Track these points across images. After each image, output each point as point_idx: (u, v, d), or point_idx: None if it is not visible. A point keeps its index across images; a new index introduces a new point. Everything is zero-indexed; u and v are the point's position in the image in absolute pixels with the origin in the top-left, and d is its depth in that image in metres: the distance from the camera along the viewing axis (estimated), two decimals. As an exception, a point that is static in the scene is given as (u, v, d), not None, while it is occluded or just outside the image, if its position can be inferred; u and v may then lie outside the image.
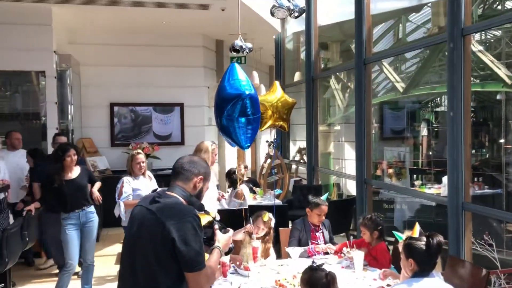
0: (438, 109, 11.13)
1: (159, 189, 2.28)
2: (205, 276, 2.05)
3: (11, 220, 5.25)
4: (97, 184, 4.78)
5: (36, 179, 5.17)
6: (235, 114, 2.86)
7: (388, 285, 2.83)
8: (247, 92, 2.93)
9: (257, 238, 3.70)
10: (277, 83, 4.83)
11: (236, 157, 10.07)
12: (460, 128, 3.91)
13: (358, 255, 3.22)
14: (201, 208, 2.23)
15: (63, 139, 5.58)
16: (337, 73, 9.21)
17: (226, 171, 6.36)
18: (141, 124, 8.30)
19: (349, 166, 9.09)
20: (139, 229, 2.11)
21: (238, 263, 3.39)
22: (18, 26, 6.64)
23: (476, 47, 6.13)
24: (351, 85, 9.46)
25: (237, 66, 3.09)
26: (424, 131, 11.00)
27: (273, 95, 4.64)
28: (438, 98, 11.40)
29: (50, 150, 6.51)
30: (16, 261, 4.50)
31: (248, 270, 3.32)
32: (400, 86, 7.84)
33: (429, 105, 11.15)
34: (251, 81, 3.06)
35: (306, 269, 2.42)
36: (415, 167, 8.96)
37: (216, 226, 2.28)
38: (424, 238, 2.34)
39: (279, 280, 3.12)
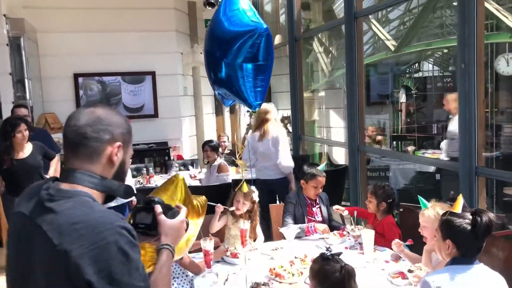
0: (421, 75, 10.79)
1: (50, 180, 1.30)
2: None
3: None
4: (55, 162, 4.13)
5: None
6: (238, 60, 2.04)
7: (409, 270, 2.33)
8: (265, 26, 2.09)
9: (240, 216, 3.14)
10: None
11: (216, 128, 9.46)
12: (473, 82, 3.40)
13: (368, 235, 2.70)
14: (130, 193, 1.35)
15: (23, 111, 4.80)
16: (320, 35, 8.61)
17: (203, 142, 5.74)
18: (110, 96, 7.57)
19: (335, 134, 8.63)
20: (24, 255, 1.23)
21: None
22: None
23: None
24: (333, 50, 8.91)
25: None
26: (402, 98, 10.75)
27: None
28: (416, 65, 11.04)
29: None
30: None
31: (236, 257, 2.79)
32: (391, 44, 7.29)
33: (407, 70, 10.85)
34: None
35: (317, 258, 1.90)
36: (406, 134, 8.57)
37: (159, 209, 1.43)
38: (469, 215, 1.82)
39: (274, 269, 2.59)
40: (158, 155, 7.29)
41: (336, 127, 8.61)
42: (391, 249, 2.76)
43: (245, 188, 3.04)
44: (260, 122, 4.58)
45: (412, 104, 10.63)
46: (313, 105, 8.74)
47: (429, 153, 6.54)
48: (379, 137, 7.57)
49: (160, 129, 7.66)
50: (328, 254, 1.85)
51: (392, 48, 7.18)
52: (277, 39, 8.33)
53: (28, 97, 6.47)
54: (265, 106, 4.53)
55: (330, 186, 5.34)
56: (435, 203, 2.38)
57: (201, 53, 7.82)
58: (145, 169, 5.64)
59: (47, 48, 7.16)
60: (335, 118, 8.68)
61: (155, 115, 7.68)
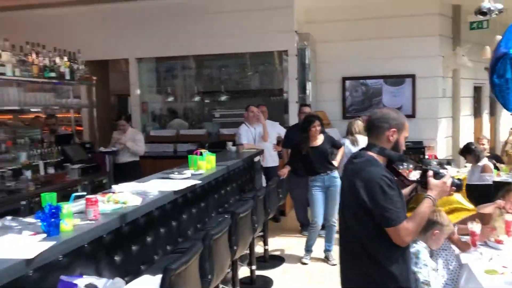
0: None
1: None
2: (405, 230, 2.07)
3: (263, 180, 6.12)
4: (341, 150, 5.17)
5: (286, 146, 5.84)
6: (507, 74, 2.61)
7: None
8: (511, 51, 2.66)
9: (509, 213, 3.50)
10: None
11: (473, 132, 9.34)
12: None
13: None
14: (401, 159, 2.31)
15: (307, 109, 6.09)
16: None
17: (462, 146, 5.97)
18: (372, 97, 8.43)
19: None
20: (343, 183, 2.37)
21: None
22: (259, 11, 7.48)
23: None
24: None
25: None
26: None
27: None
28: None
29: (292, 120, 7.30)
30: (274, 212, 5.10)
31: (500, 243, 3.18)
32: None
33: None
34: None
35: None
36: None
37: (430, 173, 2.23)
38: None
39: (539, 258, 2.91)
40: (413, 153, 7.77)
41: None
42: None
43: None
44: None
45: None
46: None
47: None
48: None
49: (416, 129, 8.09)
50: None
51: None
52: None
53: (307, 97, 7.87)
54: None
55: None
56: None
57: (463, 55, 7.95)
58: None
59: (323, 55, 8.48)
60: None
61: (413, 115, 8.16)
